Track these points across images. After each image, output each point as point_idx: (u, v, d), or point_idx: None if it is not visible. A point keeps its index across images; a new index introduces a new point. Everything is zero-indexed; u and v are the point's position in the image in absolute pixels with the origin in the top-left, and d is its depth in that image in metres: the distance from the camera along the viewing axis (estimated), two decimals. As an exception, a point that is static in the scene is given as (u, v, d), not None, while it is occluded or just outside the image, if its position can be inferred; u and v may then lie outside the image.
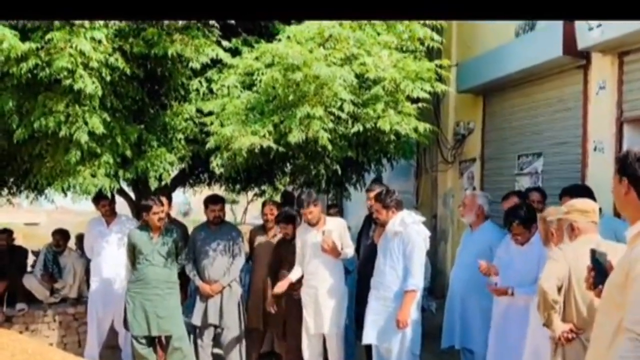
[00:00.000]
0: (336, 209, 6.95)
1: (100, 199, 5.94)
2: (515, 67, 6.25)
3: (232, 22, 5.15)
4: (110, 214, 6.26)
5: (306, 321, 5.32)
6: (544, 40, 5.82)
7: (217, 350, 6.08)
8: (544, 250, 3.93)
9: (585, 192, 4.42)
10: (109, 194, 5.54)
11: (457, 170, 7.70)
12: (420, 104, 5.33)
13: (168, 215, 5.82)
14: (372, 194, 5.37)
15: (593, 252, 2.56)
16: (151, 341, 5.54)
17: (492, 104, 7.26)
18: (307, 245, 5.29)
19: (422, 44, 5.43)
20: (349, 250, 5.30)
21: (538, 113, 6.42)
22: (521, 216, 4.38)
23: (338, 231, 5.26)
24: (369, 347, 5.02)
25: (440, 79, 5.50)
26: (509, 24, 6.46)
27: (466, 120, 7.43)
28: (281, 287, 5.30)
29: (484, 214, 5.16)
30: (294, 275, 5.36)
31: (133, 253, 5.48)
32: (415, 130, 5.31)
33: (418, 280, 4.67)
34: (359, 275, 5.45)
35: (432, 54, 5.85)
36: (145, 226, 5.52)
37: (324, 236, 5.15)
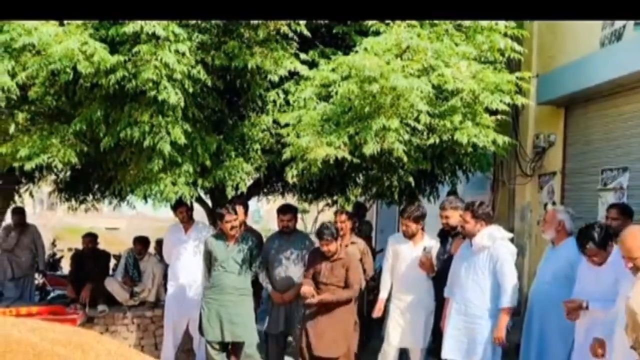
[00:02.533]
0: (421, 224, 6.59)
1: (178, 205, 6.13)
2: (600, 78, 6.00)
3: (308, 34, 5.20)
4: (187, 221, 6.43)
5: (389, 333, 5.33)
6: (632, 50, 5.57)
7: (288, 359, 6.12)
8: (621, 269, 3.74)
9: None
10: (188, 202, 5.71)
11: (536, 183, 7.46)
12: (499, 116, 5.21)
13: (244, 223, 5.92)
14: (448, 207, 5.31)
15: None
16: (224, 347, 5.64)
17: (574, 116, 7.00)
18: (400, 257, 5.33)
19: (503, 54, 5.31)
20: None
21: (624, 126, 6.13)
22: (593, 237, 4.16)
23: (436, 249, 5.31)
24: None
25: (520, 90, 5.37)
26: (593, 34, 6.23)
27: (546, 133, 7.19)
28: (377, 311, 5.40)
29: (566, 230, 4.95)
30: (383, 294, 5.42)
31: (209, 260, 5.61)
32: (494, 142, 5.20)
33: (512, 298, 4.55)
34: (435, 291, 5.37)
35: (512, 64, 5.72)
36: (222, 234, 5.64)
37: (425, 252, 5.20)
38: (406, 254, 5.29)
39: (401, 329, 5.26)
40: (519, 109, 6.76)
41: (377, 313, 5.41)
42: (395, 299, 5.34)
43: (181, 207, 6.23)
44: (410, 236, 5.31)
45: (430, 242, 5.34)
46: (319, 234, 5.23)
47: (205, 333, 5.58)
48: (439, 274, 5.26)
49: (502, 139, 5.23)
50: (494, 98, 5.01)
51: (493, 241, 4.60)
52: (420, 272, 5.23)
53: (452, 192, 7.13)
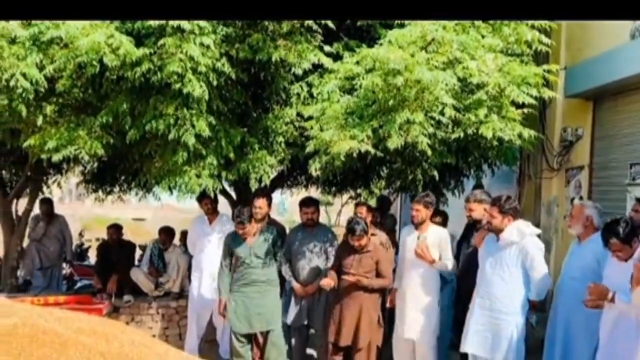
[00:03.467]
0: (440, 217, 6.43)
1: (203, 197, 6.17)
2: (630, 71, 5.88)
3: (333, 27, 5.18)
4: (212, 213, 6.48)
5: (397, 325, 5.33)
6: (664, 42, 5.45)
7: (310, 351, 6.14)
8: None
9: None
10: (212, 194, 5.74)
11: (562, 178, 7.35)
12: (525, 109, 5.14)
13: (268, 215, 5.94)
14: (472, 200, 5.23)
15: None
16: (249, 339, 5.68)
17: (603, 109, 6.88)
18: (406, 247, 5.31)
19: (530, 47, 5.23)
20: (448, 263, 5.22)
21: (654, 120, 6.02)
22: (618, 232, 4.08)
23: (437, 240, 5.20)
24: (465, 355, 4.90)
25: (547, 83, 5.28)
26: (623, 26, 6.10)
27: (574, 126, 7.07)
28: (392, 301, 5.42)
29: (593, 225, 4.86)
30: (397, 284, 5.41)
31: (229, 254, 5.64)
32: (520, 136, 5.13)
33: (542, 291, 4.56)
34: (458, 284, 5.33)
35: (539, 57, 5.62)
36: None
37: (419, 241, 5.14)
38: (411, 244, 5.25)
39: (407, 321, 5.24)
40: (546, 102, 6.66)
41: (390, 303, 5.44)
42: (401, 290, 5.34)
43: (206, 199, 6.27)
44: (419, 223, 5.23)
45: (436, 232, 5.25)
46: (351, 229, 5.21)
47: (232, 325, 5.63)
48: (464, 267, 5.21)
49: (528, 133, 5.16)
50: (521, 91, 4.94)
51: (522, 237, 4.52)
52: (422, 263, 5.17)
53: (478, 186, 7.06)
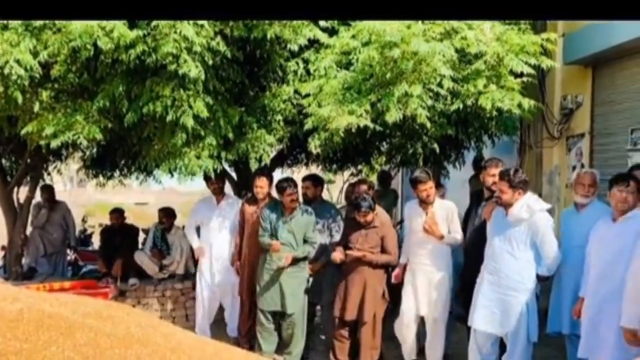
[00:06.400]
0: (441, 190, 6.27)
1: (210, 178, 6.15)
2: (628, 36, 5.84)
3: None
4: (219, 193, 6.45)
5: (403, 301, 5.29)
6: (663, 4, 5.38)
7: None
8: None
9: None
10: (212, 175, 5.73)
11: (563, 146, 7.34)
12: (524, 78, 5.10)
13: (269, 194, 5.94)
14: (491, 170, 5.02)
15: None
16: (275, 315, 5.70)
17: (602, 75, 6.84)
18: (413, 225, 5.24)
19: (527, 14, 5.17)
20: (457, 236, 5.17)
21: (654, 84, 5.99)
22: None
23: (445, 213, 5.17)
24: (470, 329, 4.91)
25: (545, 52, 5.23)
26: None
27: (574, 94, 7.04)
28: (397, 276, 5.36)
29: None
30: (402, 260, 5.36)
31: (262, 229, 5.60)
32: (519, 105, 5.10)
33: (553, 267, 4.54)
34: (466, 257, 5.29)
35: (537, 25, 5.57)
36: (276, 205, 5.65)
37: (427, 216, 5.09)
38: (418, 221, 5.18)
39: (414, 297, 5.21)
40: (544, 71, 6.62)
41: (395, 279, 5.38)
42: (409, 268, 5.30)
43: (213, 180, 6.25)
44: (434, 200, 5.15)
45: (443, 206, 5.19)
46: (357, 205, 5.21)
47: (259, 302, 5.66)
48: (471, 240, 5.15)
49: (528, 102, 5.13)
50: (519, 60, 4.90)
51: (531, 214, 4.46)
52: (433, 239, 5.12)
53: (479, 158, 7.06)
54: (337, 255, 5.26)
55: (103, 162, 7.92)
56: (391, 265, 5.42)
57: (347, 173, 10.35)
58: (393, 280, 5.41)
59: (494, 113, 5.15)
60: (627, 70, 6.40)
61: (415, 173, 5.14)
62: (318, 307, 6.18)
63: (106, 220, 8.82)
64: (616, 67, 6.56)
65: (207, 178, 6.23)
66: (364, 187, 5.88)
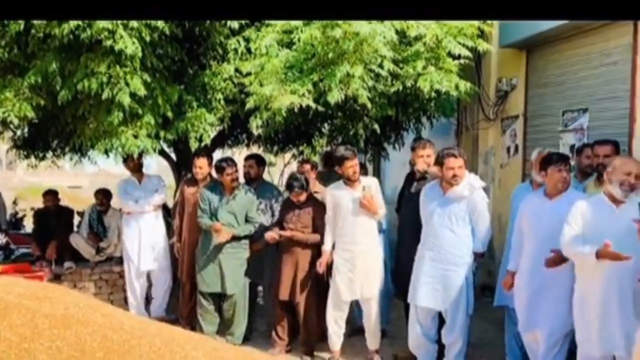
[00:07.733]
0: (364, 170, 6.07)
1: (128, 156, 5.91)
2: (561, 21, 6.03)
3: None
4: (138, 170, 6.38)
5: (337, 287, 5.09)
6: (592, -9, 5.57)
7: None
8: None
9: None
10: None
11: (499, 127, 7.54)
12: (462, 60, 5.20)
13: (209, 175, 5.87)
14: (420, 152, 5.10)
15: None
16: (215, 297, 5.65)
17: (535, 58, 7.05)
18: (342, 206, 5.06)
19: (465, -3, 5.27)
20: (382, 211, 5.15)
21: (584, 67, 6.19)
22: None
23: (375, 188, 5.16)
24: (407, 305, 4.99)
25: (482, 34, 5.36)
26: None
27: (509, 77, 7.23)
28: (323, 265, 5.09)
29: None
30: (327, 246, 5.15)
31: (201, 210, 5.52)
32: (457, 87, 5.21)
33: (486, 244, 4.69)
34: (400, 236, 5.35)
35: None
36: (216, 185, 5.56)
37: (364, 192, 4.98)
38: (347, 201, 5.04)
39: (349, 282, 5.06)
40: (481, 54, 6.77)
41: (321, 267, 5.10)
42: (340, 250, 5.10)
43: (129, 158, 6.02)
44: (357, 178, 5.04)
45: (369, 182, 5.15)
46: (289, 186, 5.21)
47: (199, 284, 5.60)
48: (407, 220, 5.19)
49: (464, 84, 5.24)
50: (457, 43, 5.00)
51: (472, 191, 4.59)
52: (362, 218, 5.01)
53: (418, 139, 7.17)
54: (270, 234, 5.26)
55: (35, 143, 7.62)
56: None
57: (288, 155, 10.34)
58: (320, 269, 5.12)
59: (433, 95, 5.23)
60: (559, 54, 6.61)
61: (341, 151, 5.02)
62: (260, 288, 6.18)
63: (38, 205, 8.51)
64: (549, 51, 6.76)
65: (124, 159, 6.07)
66: (307, 166, 5.87)
